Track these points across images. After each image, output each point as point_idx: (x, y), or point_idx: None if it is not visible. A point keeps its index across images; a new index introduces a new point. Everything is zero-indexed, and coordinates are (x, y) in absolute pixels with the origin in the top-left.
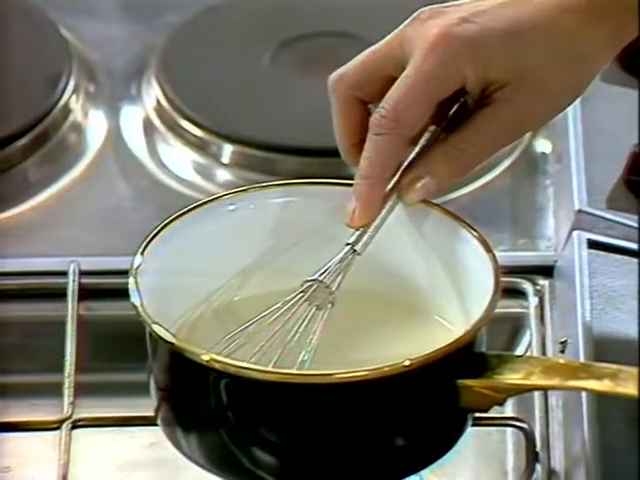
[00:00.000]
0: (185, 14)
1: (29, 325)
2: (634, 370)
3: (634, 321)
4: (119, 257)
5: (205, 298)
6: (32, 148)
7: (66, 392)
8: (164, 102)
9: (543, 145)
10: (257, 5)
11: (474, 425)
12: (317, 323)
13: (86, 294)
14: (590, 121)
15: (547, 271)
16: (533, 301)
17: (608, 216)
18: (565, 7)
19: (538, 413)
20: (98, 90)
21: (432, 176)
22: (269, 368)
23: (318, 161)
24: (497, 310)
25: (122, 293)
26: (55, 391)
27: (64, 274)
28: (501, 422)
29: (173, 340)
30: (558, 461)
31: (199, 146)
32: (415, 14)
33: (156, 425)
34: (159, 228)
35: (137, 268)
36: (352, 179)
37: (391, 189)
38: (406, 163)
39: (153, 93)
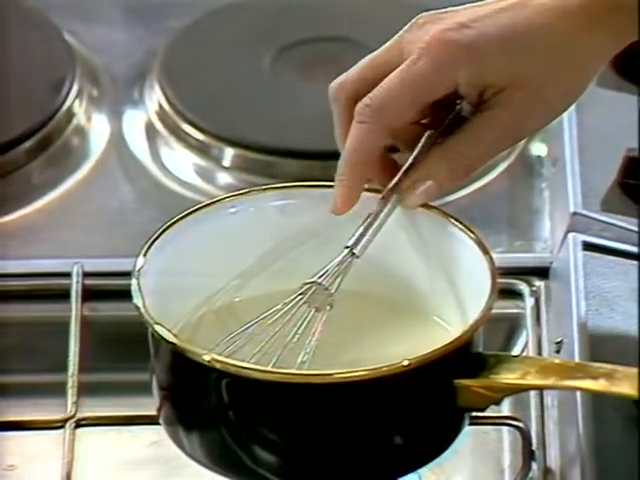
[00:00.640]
0: (187, 19)
1: (33, 325)
2: (629, 370)
3: (628, 321)
4: (122, 259)
5: (206, 299)
6: (36, 151)
7: (70, 391)
8: (166, 106)
9: (539, 149)
10: (258, 10)
11: (471, 424)
12: (316, 324)
13: (89, 295)
14: (585, 125)
15: (543, 272)
16: (529, 302)
17: (603, 218)
18: (562, 12)
19: (534, 412)
20: (101, 94)
21: (432, 179)
22: (269, 368)
23: (317, 164)
24: (494, 311)
25: (125, 294)
26: (59, 390)
27: (68, 275)
28: (498, 421)
29: (175, 340)
30: (554, 459)
31: (200, 149)
32: (413, 20)
33: (158, 424)
34: (161, 230)
35: (139, 269)
36: None
37: (390, 192)
38: (405, 167)
39: (155, 97)
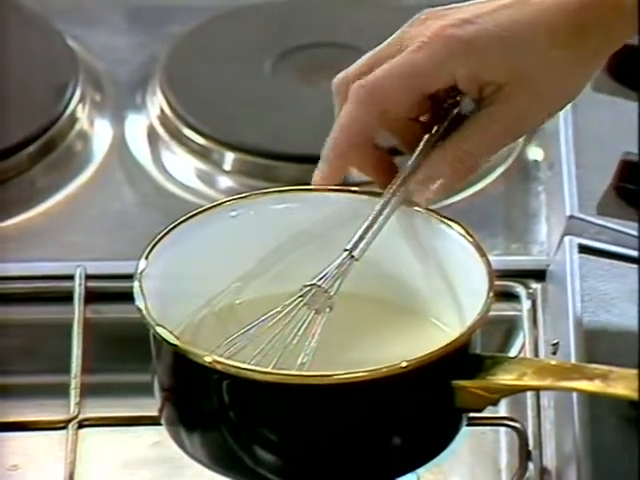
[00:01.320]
0: (188, 25)
1: (37, 327)
2: (624, 371)
3: (624, 323)
4: (124, 261)
5: (207, 301)
6: (39, 156)
7: (72, 392)
8: (168, 111)
9: (535, 153)
10: (258, 16)
11: (469, 425)
12: (316, 326)
13: (92, 297)
14: (581, 129)
15: (539, 275)
16: (526, 304)
17: (598, 222)
18: (561, 10)
19: (531, 413)
20: (104, 99)
21: (437, 178)
22: (269, 369)
23: None
24: (491, 313)
25: (127, 296)
26: (62, 391)
27: (71, 278)
28: (495, 422)
29: (176, 342)
30: (550, 459)
31: (202, 154)
32: (415, 16)
33: (160, 424)
34: (163, 233)
35: (142, 272)
36: (350, 186)
37: (388, 195)
38: (405, 170)
39: (157, 102)
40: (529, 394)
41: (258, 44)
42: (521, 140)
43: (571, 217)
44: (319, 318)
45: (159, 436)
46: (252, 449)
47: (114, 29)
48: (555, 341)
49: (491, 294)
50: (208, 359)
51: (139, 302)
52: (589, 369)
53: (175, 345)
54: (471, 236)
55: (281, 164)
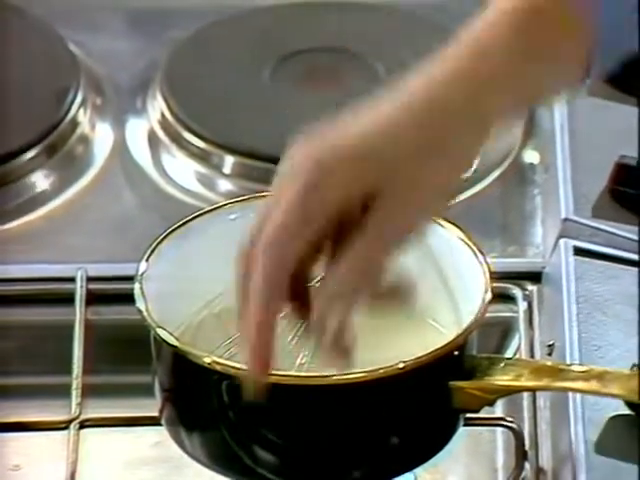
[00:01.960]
0: (188, 30)
1: (39, 329)
2: (619, 371)
3: (618, 324)
4: (125, 264)
5: (207, 303)
6: (41, 159)
7: (74, 393)
8: (168, 115)
9: (531, 156)
10: (258, 21)
11: (465, 425)
12: None
13: (93, 299)
14: (576, 133)
15: (535, 277)
16: (522, 305)
17: (593, 224)
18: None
19: (527, 413)
20: (105, 104)
21: (345, 299)
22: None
23: None
24: (487, 314)
25: (128, 298)
26: (63, 392)
27: (72, 280)
28: (491, 422)
29: (176, 343)
30: (546, 459)
31: (201, 157)
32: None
33: (160, 425)
34: (163, 236)
35: (142, 274)
36: None
37: None
38: None
39: (158, 106)
40: (525, 395)
41: (258, 49)
42: (517, 143)
43: (566, 220)
44: None
45: (159, 436)
46: (251, 449)
47: (115, 34)
48: (551, 342)
49: (488, 296)
50: (207, 360)
51: (140, 304)
52: (585, 370)
53: (175, 346)
54: (468, 238)
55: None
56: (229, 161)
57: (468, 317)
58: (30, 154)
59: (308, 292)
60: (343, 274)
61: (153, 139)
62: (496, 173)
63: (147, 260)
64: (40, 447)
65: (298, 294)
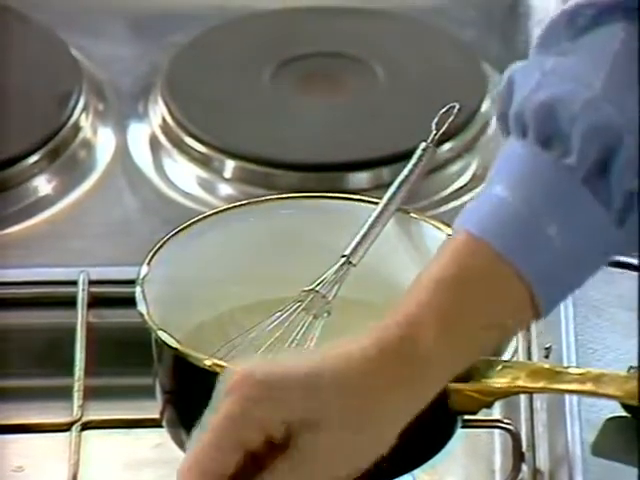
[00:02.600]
0: (189, 36)
1: (41, 331)
2: (615, 373)
3: (614, 327)
4: (126, 267)
5: (208, 306)
6: (44, 164)
7: (76, 395)
8: (169, 120)
9: None
10: (258, 26)
11: (464, 427)
12: (314, 331)
13: (95, 302)
14: None
15: None
16: None
17: None
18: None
19: (524, 415)
20: (107, 108)
21: None
22: None
23: (315, 176)
24: None
25: (129, 301)
26: (65, 394)
27: (74, 283)
28: (489, 424)
29: (177, 346)
30: (543, 461)
31: (202, 162)
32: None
33: (161, 427)
34: (164, 239)
35: (143, 277)
36: (347, 193)
37: (385, 202)
38: (400, 178)
39: (159, 111)
40: (522, 397)
41: (258, 54)
42: None
43: None
44: (317, 322)
45: (161, 438)
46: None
47: (117, 39)
48: (548, 345)
49: None
50: (208, 362)
51: (141, 307)
52: (581, 372)
53: (176, 349)
54: None
55: (280, 172)
56: (230, 165)
57: None
58: (33, 158)
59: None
60: None
61: (154, 143)
62: None
63: (148, 264)
64: (42, 449)
65: None
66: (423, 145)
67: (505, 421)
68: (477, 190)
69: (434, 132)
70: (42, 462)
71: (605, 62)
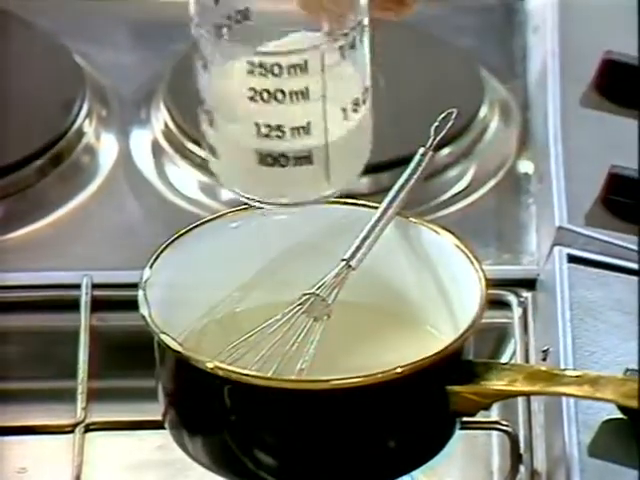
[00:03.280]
0: (191, 43)
1: (45, 334)
2: (612, 376)
3: (611, 330)
4: (129, 271)
5: (209, 309)
6: (48, 169)
7: (79, 397)
8: (171, 125)
9: (526, 166)
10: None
11: (462, 429)
12: (314, 333)
13: (98, 306)
14: (570, 143)
15: (530, 284)
16: (517, 312)
17: (587, 233)
18: None
19: (522, 417)
20: (110, 114)
21: None
22: (269, 375)
23: None
24: (484, 320)
25: (132, 305)
26: (69, 397)
27: (77, 287)
28: (487, 426)
29: (180, 349)
30: (540, 462)
31: (204, 167)
32: None
33: (164, 428)
34: (167, 243)
35: (146, 281)
36: (347, 199)
37: (385, 207)
38: (398, 184)
39: (161, 117)
40: (520, 399)
41: None
42: (512, 154)
43: (560, 228)
44: (317, 326)
45: (163, 440)
46: (252, 452)
47: (120, 46)
48: (545, 347)
49: (483, 302)
50: (210, 365)
51: (144, 310)
52: (578, 375)
53: (178, 352)
54: (464, 246)
55: None
56: None
57: (464, 323)
58: (36, 164)
59: None
60: None
61: (157, 149)
62: (491, 183)
63: (151, 267)
64: (46, 450)
65: None
66: (422, 150)
67: (503, 423)
68: (475, 195)
69: (432, 137)
70: (45, 464)
71: None
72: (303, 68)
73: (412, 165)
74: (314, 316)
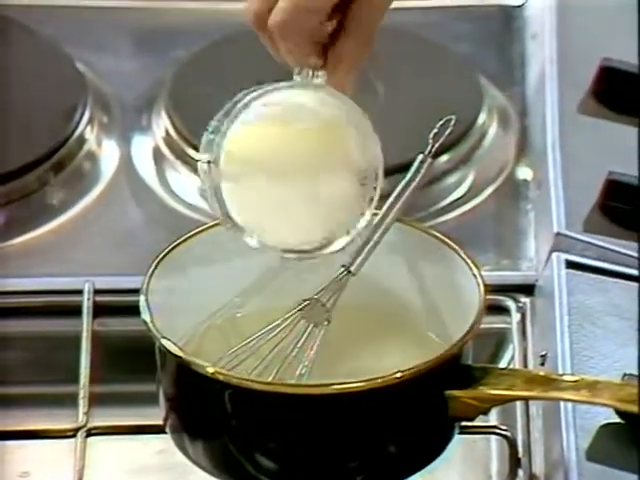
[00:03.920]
0: (192, 49)
1: (47, 340)
2: (610, 381)
3: (609, 335)
4: (131, 277)
5: (210, 315)
6: (50, 175)
7: (81, 402)
8: (172, 132)
9: (524, 172)
10: (259, 41)
11: (461, 433)
12: (314, 339)
13: (100, 311)
14: (568, 150)
15: (528, 289)
16: (515, 317)
17: (585, 239)
18: None
19: (520, 422)
20: (111, 121)
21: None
22: (270, 380)
23: None
24: (482, 325)
25: (133, 310)
26: (71, 401)
27: (80, 292)
28: (486, 430)
29: (180, 354)
30: (538, 466)
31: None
32: None
33: (165, 433)
34: (168, 250)
35: (147, 287)
36: None
37: (384, 213)
38: (397, 191)
39: (162, 124)
40: (519, 403)
41: (259, 68)
42: (511, 161)
43: (558, 234)
44: (317, 331)
45: (164, 444)
46: (253, 456)
47: (121, 54)
48: (543, 352)
49: (482, 307)
50: (211, 370)
51: (145, 315)
52: (576, 380)
53: (179, 356)
54: (464, 252)
55: None
56: None
57: (463, 328)
58: (38, 170)
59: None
60: None
61: (158, 155)
62: (490, 189)
63: (152, 273)
64: (48, 454)
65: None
66: (421, 157)
67: (502, 427)
68: (474, 201)
69: (431, 144)
70: (48, 468)
71: None
72: None
73: (411, 171)
74: (314, 321)
